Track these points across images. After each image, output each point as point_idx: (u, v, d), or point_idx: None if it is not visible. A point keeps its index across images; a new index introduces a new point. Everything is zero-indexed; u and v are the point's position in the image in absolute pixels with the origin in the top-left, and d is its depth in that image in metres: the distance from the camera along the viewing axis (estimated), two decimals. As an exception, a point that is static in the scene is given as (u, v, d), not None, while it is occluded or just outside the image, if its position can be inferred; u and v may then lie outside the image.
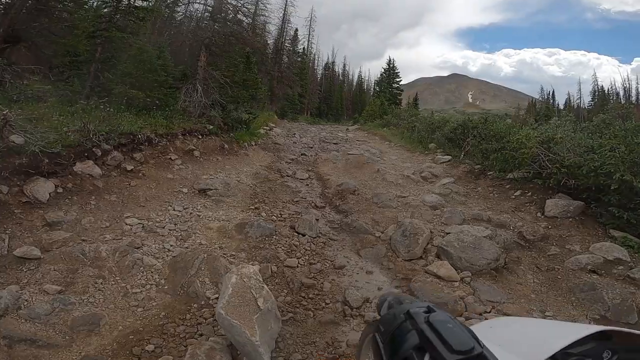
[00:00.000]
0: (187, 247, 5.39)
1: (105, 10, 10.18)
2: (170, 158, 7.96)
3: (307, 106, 41.73)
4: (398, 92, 45.74)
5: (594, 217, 6.39)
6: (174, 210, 6.31)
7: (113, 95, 8.68)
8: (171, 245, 5.37)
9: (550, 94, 68.44)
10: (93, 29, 9.52)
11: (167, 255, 5.14)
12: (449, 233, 5.98)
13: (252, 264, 4.96)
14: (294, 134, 17.62)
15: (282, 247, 5.61)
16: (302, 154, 12.60)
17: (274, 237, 5.83)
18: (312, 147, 14.41)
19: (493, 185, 8.72)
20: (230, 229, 5.93)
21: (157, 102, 9.11)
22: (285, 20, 31.62)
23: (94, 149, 6.45)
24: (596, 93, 53.62)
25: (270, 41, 31.23)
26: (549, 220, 6.67)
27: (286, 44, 36.62)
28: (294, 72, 36.09)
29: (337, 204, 7.69)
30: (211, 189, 7.14)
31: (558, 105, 66.17)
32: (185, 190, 7.13)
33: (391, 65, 44.27)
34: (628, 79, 52.02)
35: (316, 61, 48.60)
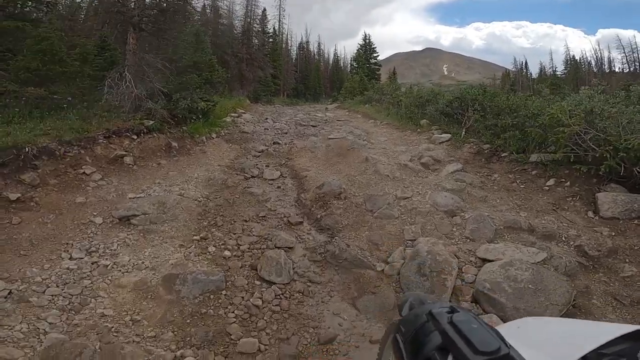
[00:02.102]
0: (77, 326, 3.20)
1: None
2: (84, 173, 5.56)
3: (283, 88, 38.82)
4: (376, 67, 43.12)
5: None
6: (70, 258, 4.02)
7: (4, 97, 6.17)
8: (49, 325, 3.17)
9: (523, 64, 67.20)
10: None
11: (37, 344, 2.96)
12: (486, 260, 3.93)
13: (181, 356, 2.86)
14: (267, 118, 15.16)
15: (235, 313, 3.46)
16: (274, 143, 10.25)
17: (224, 293, 3.66)
18: (286, 133, 12.07)
19: (512, 170, 6.71)
20: (155, 284, 3.71)
21: (70, 98, 6.63)
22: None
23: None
24: (568, 62, 52.43)
25: (237, 22, 27.94)
26: (608, 224, 4.72)
27: (254, 25, 33.37)
28: (266, 54, 33.06)
29: (319, 215, 5.53)
30: (137, 215, 4.84)
31: (531, 74, 65.13)
32: (98, 220, 4.80)
33: (367, 41, 41.47)
34: (599, 48, 50.55)
35: (289, 41, 45.24)
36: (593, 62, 49.03)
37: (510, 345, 0.42)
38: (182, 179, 6.56)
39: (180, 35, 10.08)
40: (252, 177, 7.33)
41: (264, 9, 36.40)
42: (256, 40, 28.01)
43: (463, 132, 9.48)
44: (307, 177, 7.23)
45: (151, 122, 7.47)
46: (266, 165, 8.14)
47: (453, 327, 0.44)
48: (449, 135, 9.52)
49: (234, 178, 7.07)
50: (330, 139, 10.15)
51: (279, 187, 6.93)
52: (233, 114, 15.10)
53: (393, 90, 17.15)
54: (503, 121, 7.71)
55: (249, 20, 28.22)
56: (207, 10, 25.89)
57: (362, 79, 24.69)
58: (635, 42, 41.79)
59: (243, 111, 16.78)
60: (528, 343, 0.66)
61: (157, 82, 8.17)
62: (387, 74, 44.21)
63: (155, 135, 7.53)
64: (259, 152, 9.39)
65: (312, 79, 45.05)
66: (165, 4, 9.40)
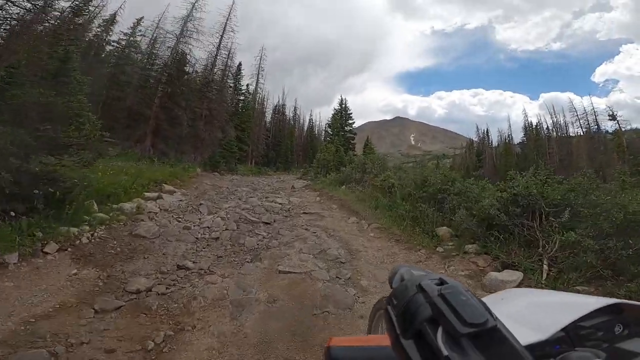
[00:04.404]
0: None
1: None
2: None
3: (252, 154, 34.40)
4: (351, 135, 40.17)
5: None
6: None
7: None
8: None
9: (485, 132, 67.64)
10: None
11: None
12: None
13: None
14: (201, 204, 9.90)
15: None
16: (178, 268, 5.00)
17: None
18: (215, 240, 6.87)
19: None
20: None
21: None
22: (220, 47, 24.62)
23: None
24: (527, 129, 52.35)
25: (199, 69, 23.84)
26: None
27: (227, 80, 29.68)
28: (233, 113, 28.99)
29: None
30: None
31: (491, 143, 65.26)
32: None
33: (343, 106, 38.95)
34: (554, 113, 51.04)
35: (265, 103, 42.06)
36: (550, 127, 48.33)
37: (496, 317, 0.41)
38: None
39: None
40: None
41: (240, 63, 33.38)
42: (215, 94, 23.65)
43: (545, 270, 4.65)
44: None
45: None
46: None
47: (442, 299, 0.43)
48: (519, 276, 4.62)
49: None
50: (281, 272, 4.96)
51: None
52: (150, 194, 9.79)
53: (379, 168, 12.59)
54: None
55: (215, 70, 24.19)
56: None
57: (339, 149, 20.51)
58: (586, 106, 41.73)
59: (173, 188, 11.51)
60: (510, 315, 0.67)
61: None
62: (360, 142, 41.39)
63: None
64: (121, 299, 4.00)
65: (285, 146, 41.33)
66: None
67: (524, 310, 0.77)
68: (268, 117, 43.62)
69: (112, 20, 23.14)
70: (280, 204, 10.95)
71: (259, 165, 34.07)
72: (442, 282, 0.47)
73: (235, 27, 25.43)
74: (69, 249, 5.28)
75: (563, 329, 0.64)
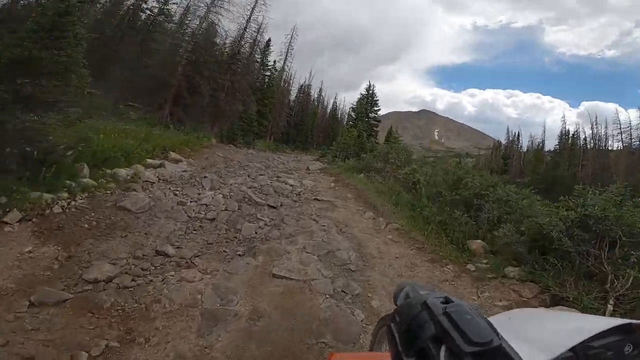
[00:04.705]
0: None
1: None
2: None
3: (271, 130, 33.41)
4: (375, 122, 38.45)
5: None
6: None
7: None
8: None
9: (516, 135, 63.82)
10: None
11: None
12: None
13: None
14: (205, 177, 9.04)
15: None
16: (149, 256, 4.16)
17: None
18: (210, 222, 6.05)
19: None
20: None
21: None
22: (250, 20, 23.32)
23: None
24: (563, 136, 48.84)
25: (226, 40, 22.76)
26: None
27: (255, 55, 28.50)
28: (256, 88, 27.92)
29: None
30: None
31: (521, 147, 61.91)
32: None
33: (370, 92, 37.05)
34: (596, 123, 46.95)
35: (291, 82, 40.61)
36: (588, 138, 44.86)
37: (502, 337, 0.40)
38: None
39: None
40: None
41: (269, 39, 32.00)
42: (241, 67, 22.62)
43: (609, 310, 3.58)
44: None
45: None
46: None
47: (447, 318, 0.42)
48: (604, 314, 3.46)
49: None
50: (275, 275, 4.00)
51: None
52: (152, 161, 9.01)
53: (404, 159, 11.34)
54: None
55: (243, 43, 23.00)
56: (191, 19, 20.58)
57: (361, 134, 19.17)
58: (632, 119, 38.20)
59: (180, 157, 10.70)
60: (518, 335, 0.63)
61: None
62: (382, 131, 39.63)
63: None
64: (71, 289, 3.16)
65: (306, 126, 40.08)
66: None
67: (532, 330, 0.74)
68: (292, 96, 42.24)
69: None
70: (291, 185, 9.97)
71: (277, 142, 33.07)
72: (447, 301, 0.46)
73: (268, 2, 23.90)
74: (35, 220, 4.49)
75: (571, 349, 0.62)
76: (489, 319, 0.43)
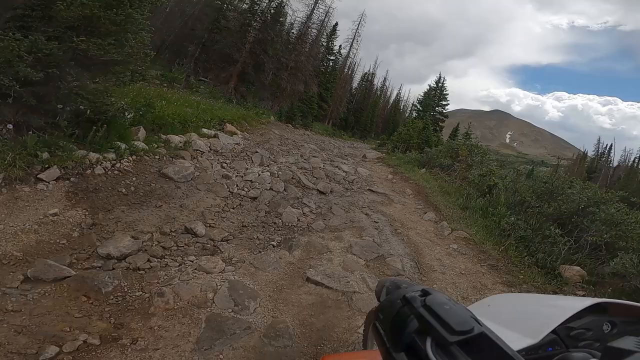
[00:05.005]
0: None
1: None
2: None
3: (331, 114, 32.62)
4: (442, 117, 35.64)
5: None
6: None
7: None
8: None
9: (607, 147, 55.11)
10: None
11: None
12: None
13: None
14: (255, 151, 8.54)
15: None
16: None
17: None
18: (253, 200, 5.52)
19: None
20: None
21: None
22: (318, 1, 22.38)
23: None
24: None
25: (294, 20, 22.16)
26: None
27: (322, 38, 27.75)
28: (320, 70, 27.18)
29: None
30: None
31: (611, 162, 53.63)
32: None
33: (440, 85, 34.26)
34: None
35: (355, 68, 39.13)
36: None
37: (483, 324, 0.41)
38: None
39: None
40: None
41: (336, 23, 30.90)
42: (308, 48, 21.94)
43: None
44: None
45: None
46: None
47: (427, 310, 0.43)
48: None
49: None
50: (309, 279, 3.19)
51: None
52: (208, 130, 8.76)
53: (479, 159, 9.76)
54: None
55: (309, 24, 22.24)
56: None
57: (427, 126, 17.42)
58: None
59: (236, 129, 10.37)
60: (499, 321, 0.66)
61: None
62: (447, 129, 36.61)
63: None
64: (77, 265, 2.71)
65: (367, 113, 38.57)
66: None
67: (512, 316, 0.76)
68: (355, 83, 40.79)
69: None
70: (344, 172, 9.12)
71: (335, 127, 32.28)
72: (425, 293, 0.46)
73: None
74: (73, 179, 4.19)
75: (553, 331, 0.64)
76: (469, 307, 0.45)
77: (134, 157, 5.60)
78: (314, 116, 25.91)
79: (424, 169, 10.70)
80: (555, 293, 4.13)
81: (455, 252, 5.01)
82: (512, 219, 5.66)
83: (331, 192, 6.97)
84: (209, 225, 4.37)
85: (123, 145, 5.58)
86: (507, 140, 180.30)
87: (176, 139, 7.15)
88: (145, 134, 6.55)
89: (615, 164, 51.81)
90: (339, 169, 9.18)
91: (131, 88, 7.49)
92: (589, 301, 0.68)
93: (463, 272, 4.48)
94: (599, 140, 54.47)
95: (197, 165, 6.48)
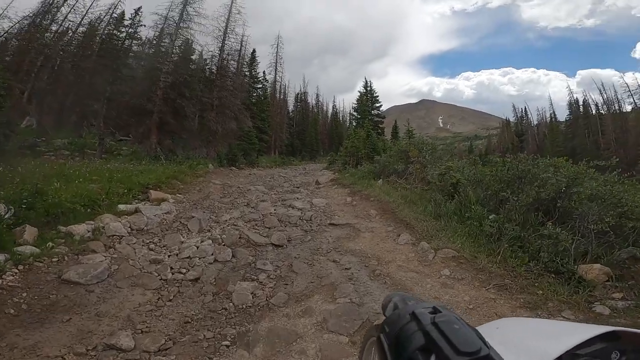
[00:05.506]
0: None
1: None
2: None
3: (275, 144, 31.73)
4: (379, 119, 36.46)
5: None
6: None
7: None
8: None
9: (522, 111, 61.51)
10: None
11: None
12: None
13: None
14: (192, 216, 7.16)
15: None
16: None
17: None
18: (174, 293, 4.21)
19: None
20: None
21: None
22: (227, 31, 21.53)
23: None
24: (572, 106, 45.91)
25: (208, 56, 20.97)
26: None
27: (243, 68, 27.06)
28: (249, 102, 26.27)
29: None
30: None
31: (531, 122, 59.59)
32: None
33: (369, 89, 35.17)
34: (603, 89, 43.90)
35: (286, 91, 38.94)
36: (600, 104, 41.76)
37: (490, 346, 0.40)
38: None
39: None
40: None
41: (254, 50, 30.39)
42: (230, 82, 20.83)
43: None
44: None
45: None
46: None
47: (435, 328, 0.41)
48: None
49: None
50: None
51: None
52: (125, 206, 7.25)
53: (429, 155, 9.25)
54: None
55: (224, 56, 21.11)
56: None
57: (370, 134, 17.09)
58: (630, 83, 35.45)
59: (164, 194, 8.84)
60: (506, 344, 0.65)
61: None
62: (385, 127, 37.56)
63: None
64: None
65: (310, 133, 38.32)
66: None
67: (519, 339, 0.75)
68: (290, 106, 40.54)
69: (121, 18, 20.97)
70: (299, 209, 8.06)
71: (282, 155, 31.35)
72: (435, 311, 0.45)
73: (243, 12, 21.96)
74: None
75: (559, 357, 0.62)
76: (477, 328, 0.42)
77: (20, 267, 4.14)
78: (258, 151, 24.77)
79: (381, 180, 10.01)
80: (587, 302, 3.37)
81: (450, 280, 4.12)
82: (492, 217, 4.98)
83: (289, 241, 5.86)
84: (139, 331, 3.10)
85: (2, 257, 4.10)
86: (441, 124, 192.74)
87: (81, 228, 5.61)
88: (35, 233, 5.01)
89: (535, 122, 57.17)
90: (293, 208, 8.11)
91: (20, 170, 5.85)
92: (601, 329, 0.64)
93: (470, 305, 3.59)
94: (514, 106, 59.72)
95: (115, 256, 5.06)
